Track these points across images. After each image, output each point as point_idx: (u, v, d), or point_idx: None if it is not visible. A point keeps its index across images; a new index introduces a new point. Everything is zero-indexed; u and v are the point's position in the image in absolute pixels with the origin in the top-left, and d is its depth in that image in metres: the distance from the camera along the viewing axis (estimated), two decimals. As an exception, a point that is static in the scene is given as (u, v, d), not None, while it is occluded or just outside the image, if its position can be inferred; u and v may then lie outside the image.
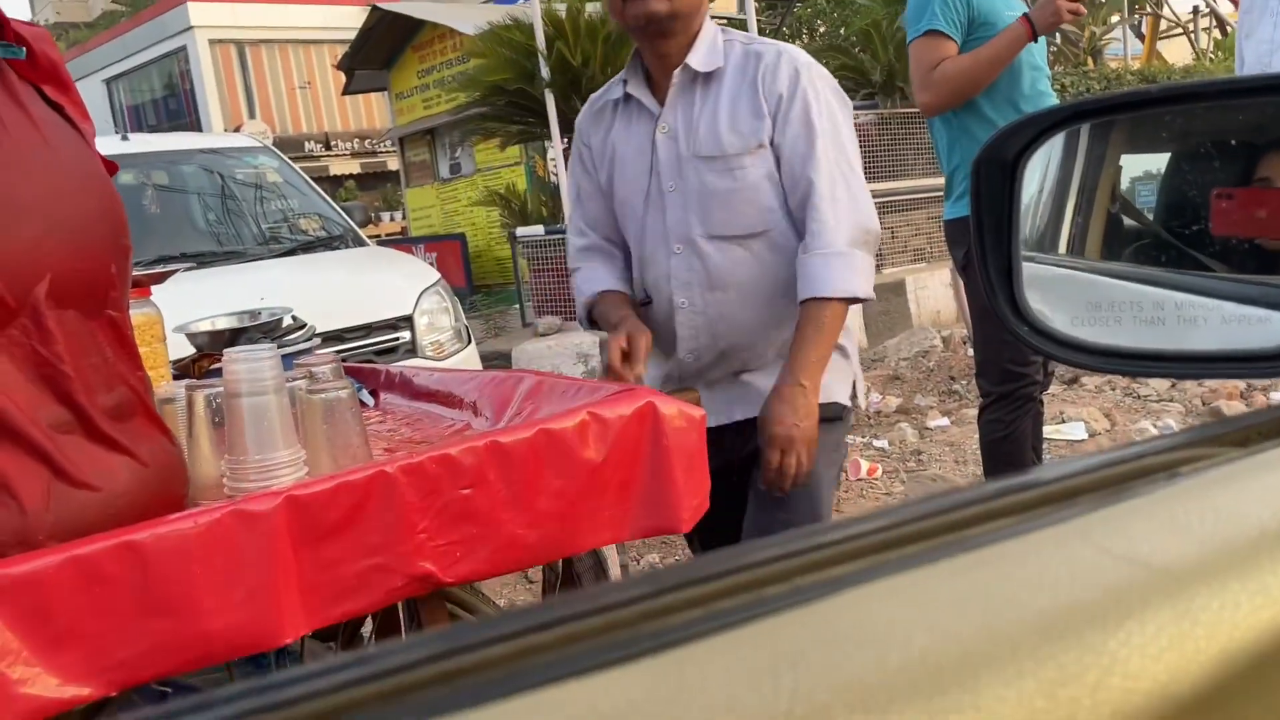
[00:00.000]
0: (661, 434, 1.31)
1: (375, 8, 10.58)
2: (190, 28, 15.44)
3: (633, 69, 1.78)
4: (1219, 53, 12.31)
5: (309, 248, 4.59)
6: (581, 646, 0.23)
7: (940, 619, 0.25)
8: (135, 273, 1.34)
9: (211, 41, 15.63)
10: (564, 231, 6.92)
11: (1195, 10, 13.69)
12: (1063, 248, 0.88)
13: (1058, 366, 4.00)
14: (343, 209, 5.03)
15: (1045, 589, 0.26)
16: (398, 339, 3.87)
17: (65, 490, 1.03)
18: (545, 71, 7.09)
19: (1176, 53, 13.59)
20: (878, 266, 1.64)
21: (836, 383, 1.77)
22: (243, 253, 4.37)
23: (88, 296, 1.07)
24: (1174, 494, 0.32)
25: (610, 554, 1.68)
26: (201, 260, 4.07)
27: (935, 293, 6.97)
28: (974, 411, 3.53)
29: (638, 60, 1.78)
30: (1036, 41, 2.50)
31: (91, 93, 15.64)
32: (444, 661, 0.22)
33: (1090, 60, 11.42)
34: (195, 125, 15.36)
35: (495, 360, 5.65)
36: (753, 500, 1.72)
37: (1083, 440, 4.21)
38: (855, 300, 1.66)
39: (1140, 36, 13.63)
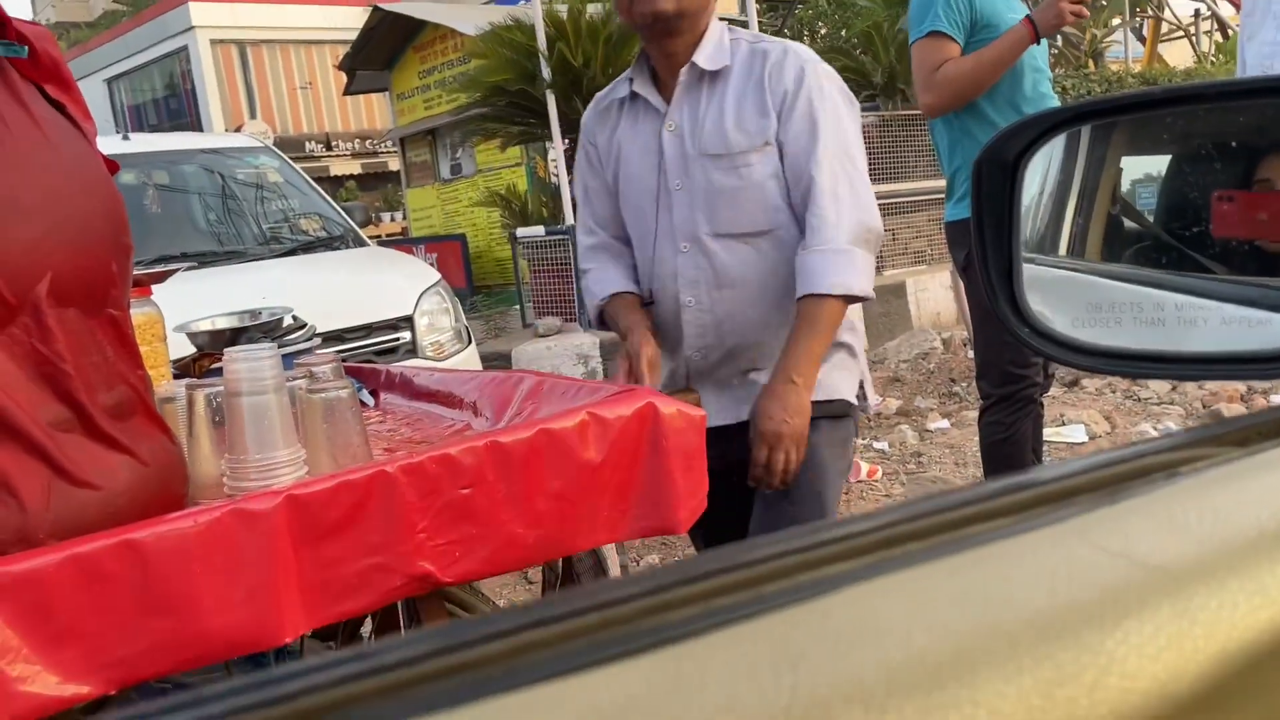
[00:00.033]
0: (661, 435, 1.32)
1: (376, 8, 10.58)
2: (191, 27, 15.43)
3: (639, 68, 1.78)
4: (1220, 56, 12.31)
5: (309, 248, 4.59)
6: (581, 643, 0.23)
7: (939, 617, 0.25)
8: (136, 272, 1.34)
9: (213, 41, 15.63)
10: (565, 233, 6.93)
11: (1196, 13, 13.70)
12: (1063, 249, 0.88)
13: (1058, 369, 4.00)
14: (343, 209, 5.03)
15: (1043, 588, 0.26)
16: (398, 339, 3.87)
17: (65, 489, 1.03)
18: (546, 72, 7.09)
19: (1178, 56, 13.59)
20: (878, 268, 1.63)
21: (842, 380, 1.76)
22: (243, 252, 4.37)
23: (88, 295, 1.07)
24: (1173, 494, 0.32)
25: (610, 554, 1.68)
26: (202, 260, 4.07)
27: (935, 295, 6.97)
28: (974, 414, 3.53)
29: (644, 59, 1.77)
30: (1039, 43, 2.50)
31: (92, 92, 15.64)
32: (445, 657, 0.22)
33: (1091, 63, 11.43)
34: (196, 125, 15.36)
35: (495, 361, 5.65)
36: (759, 498, 1.72)
37: (1083, 443, 4.21)
38: (853, 298, 1.64)
39: (1141, 39, 13.63)
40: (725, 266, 1.70)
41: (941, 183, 2.87)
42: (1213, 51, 12.91)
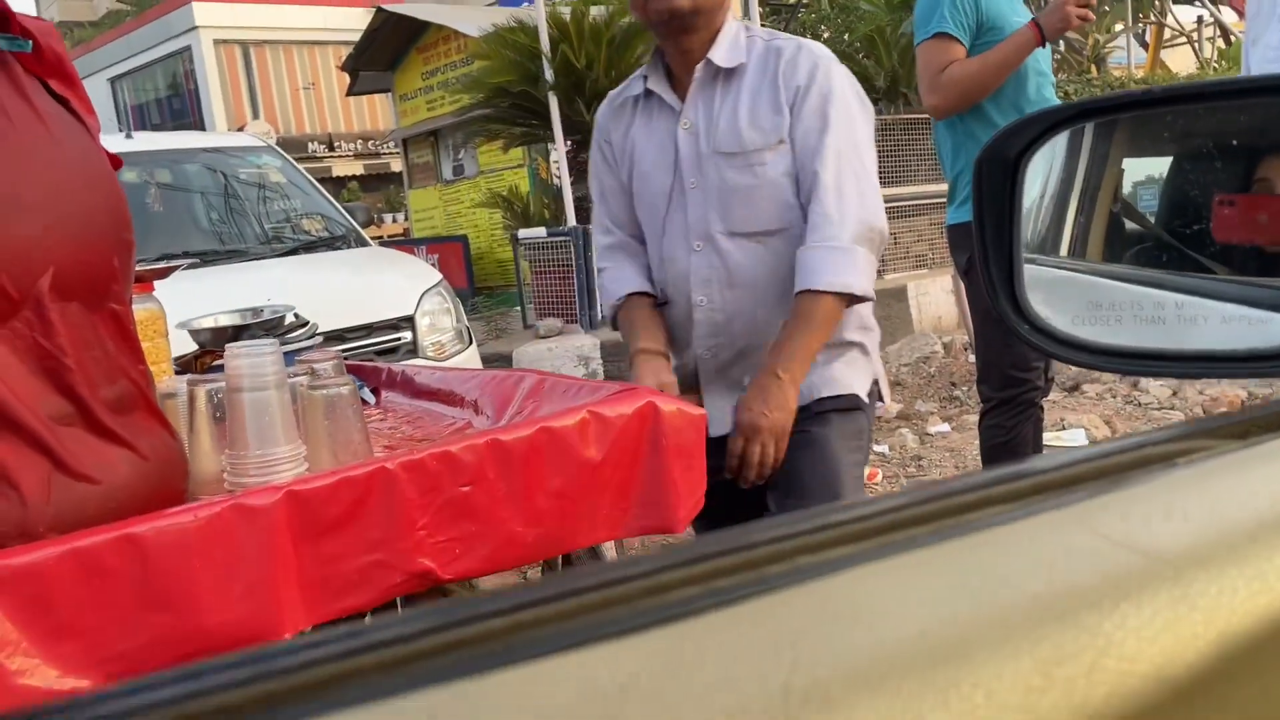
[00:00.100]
0: (661, 433, 1.32)
1: (380, 9, 10.60)
2: (195, 28, 15.46)
3: (653, 65, 1.76)
4: (1223, 62, 12.32)
5: (311, 247, 4.60)
6: (580, 621, 0.23)
7: (938, 599, 0.25)
8: (138, 268, 1.34)
9: (216, 42, 15.65)
10: (566, 234, 6.94)
11: (1199, 19, 13.71)
12: (1064, 250, 0.88)
13: (1057, 373, 3.99)
14: (346, 209, 5.03)
15: (1042, 572, 0.26)
16: (399, 339, 3.87)
17: (65, 482, 1.03)
18: (549, 74, 7.10)
19: (1180, 61, 13.60)
20: (879, 272, 1.62)
21: (854, 376, 1.75)
22: (245, 251, 4.38)
23: (90, 290, 1.07)
24: (1172, 483, 0.32)
25: (609, 552, 1.68)
26: (204, 258, 4.07)
27: (936, 299, 6.97)
28: (974, 417, 3.53)
29: (659, 56, 1.76)
30: (1045, 46, 2.51)
31: (96, 92, 15.65)
32: (447, 633, 0.22)
33: (1094, 68, 11.43)
34: (199, 125, 15.37)
35: (496, 362, 5.65)
36: (771, 497, 1.71)
37: (1083, 447, 4.20)
38: (852, 297, 1.62)
39: (1144, 45, 13.64)
40: (738, 266, 1.69)
41: (943, 187, 2.88)
42: (1215, 57, 12.91)
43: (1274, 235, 0.76)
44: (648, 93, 1.76)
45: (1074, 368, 5.10)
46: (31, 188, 1.01)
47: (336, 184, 15.64)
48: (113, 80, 17.14)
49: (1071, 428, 4.37)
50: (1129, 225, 0.89)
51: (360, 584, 1.13)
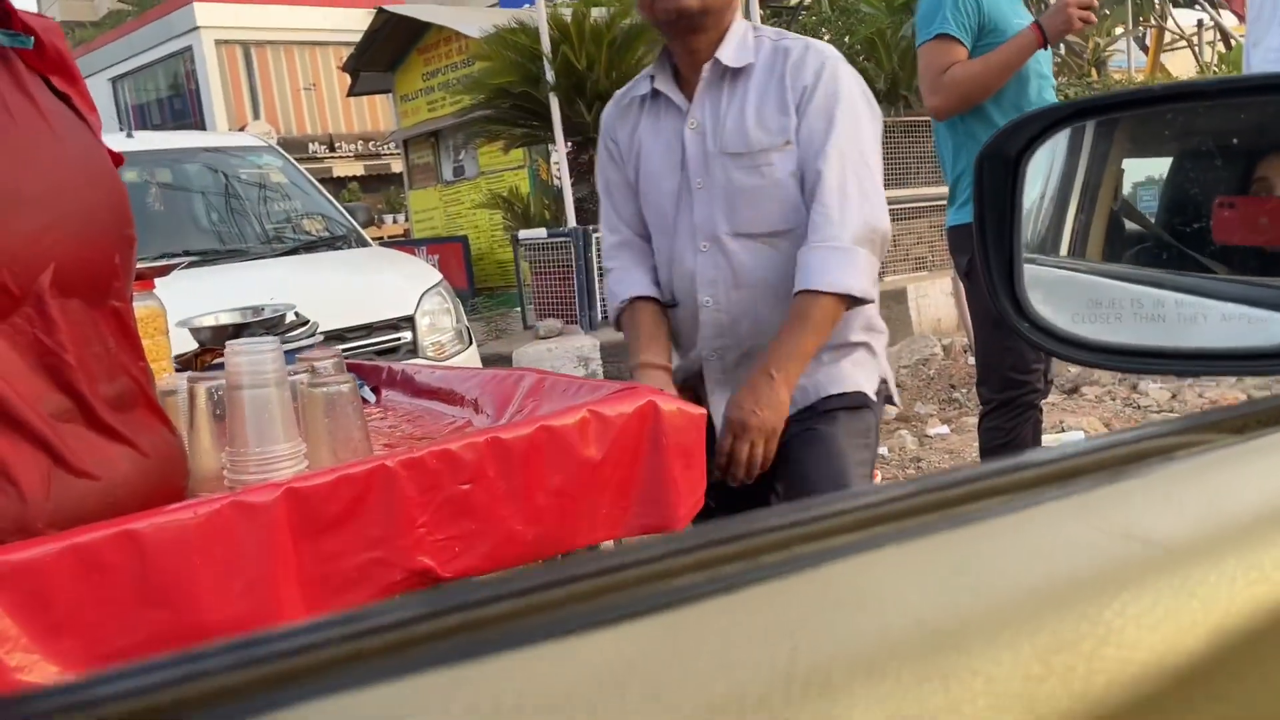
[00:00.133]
0: (661, 432, 1.32)
1: (381, 10, 10.61)
2: (196, 28, 15.46)
3: (661, 65, 1.75)
4: (1223, 65, 12.32)
5: (312, 247, 4.60)
6: (582, 606, 0.23)
7: (938, 586, 0.25)
8: (138, 266, 1.34)
9: (217, 42, 15.66)
10: (567, 235, 6.94)
11: (1199, 23, 13.71)
12: (1064, 250, 0.88)
13: (1056, 375, 3.98)
14: (346, 209, 5.03)
15: (1042, 560, 0.26)
16: (399, 339, 3.88)
17: (65, 478, 1.03)
18: (550, 75, 7.10)
19: (1181, 65, 13.61)
20: (879, 274, 1.61)
21: (860, 374, 1.74)
22: (245, 251, 4.38)
23: (91, 286, 1.08)
24: (1171, 475, 0.32)
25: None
26: (204, 258, 4.07)
27: (936, 301, 6.97)
28: (974, 419, 3.53)
29: (666, 56, 1.75)
30: (1047, 48, 2.51)
31: (97, 92, 15.58)
32: (449, 617, 0.22)
33: (1094, 71, 11.44)
34: (200, 125, 15.37)
35: (496, 362, 5.66)
36: (777, 496, 1.70)
37: (1082, 449, 4.20)
38: (852, 298, 1.60)
39: (1144, 48, 13.64)
40: (744, 267, 1.68)
41: (942, 189, 2.88)
42: (1215, 61, 12.92)
43: (1274, 236, 0.76)
44: (654, 93, 1.75)
45: (1073, 370, 5.10)
46: (33, 184, 1.01)
47: (337, 184, 15.65)
48: (114, 80, 17.14)
49: (1070, 430, 4.37)
50: (1129, 225, 0.89)
51: (360, 581, 1.13)
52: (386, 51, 10.95)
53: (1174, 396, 4.75)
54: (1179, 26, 13.65)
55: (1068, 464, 0.32)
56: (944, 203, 2.84)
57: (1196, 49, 13.71)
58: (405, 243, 10.68)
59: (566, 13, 7.57)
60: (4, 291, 0.99)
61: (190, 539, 1.02)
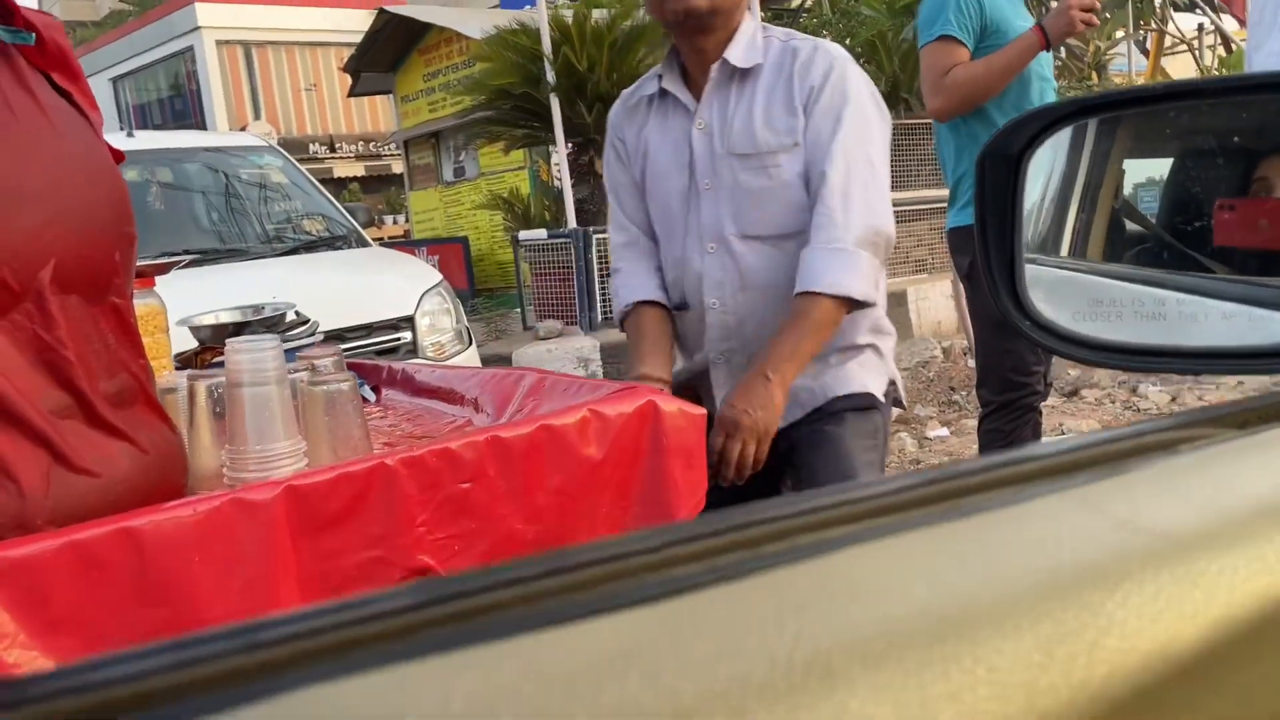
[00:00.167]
0: (662, 432, 1.32)
1: (382, 11, 10.61)
2: (197, 28, 15.46)
3: (668, 65, 1.74)
4: (1223, 70, 12.32)
5: (312, 247, 4.60)
6: (583, 594, 0.23)
7: (940, 575, 0.25)
8: (138, 264, 1.34)
9: (218, 42, 15.66)
10: (567, 236, 6.94)
11: (1200, 27, 13.71)
12: (1065, 250, 0.88)
13: (1056, 377, 3.98)
14: (346, 209, 5.03)
15: (1044, 550, 0.26)
16: (399, 339, 3.88)
17: (64, 475, 1.03)
18: (551, 76, 7.10)
19: (1181, 69, 13.61)
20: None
21: (868, 376, 1.72)
22: (246, 251, 4.38)
23: (91, 283, 1.07)
24: (1174, 467, 0.32)
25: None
26: (204, 257, 4.07)
27: (936, 303, 6.97)
28: (973, 422, 3.53)
29: (674, 56, 1.74)
30: (1050, 50, 2.51)
31: (97, 91, 15.54)
32: (453, 603, 0.22)
33: (1095, 75, 11.44)
34: (200, 125, 15.37)
35: (495, 363, 5.66)
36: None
37: (1082, 452, 4.20)
38: (852, 301, 1.58)
39: (1145, 52, 13.65)
40: (751, 269, 1.66)
41: (942, 192, 2.87)
42: (1216, 65, 12.93)
43: (1275, 238, 0.76)
44: (662, 92, 1.73)
45: (1073, 373, 5.10)
46: (34, 180, 1.01)
47: (337, 185, 15.64)
48: (114, 80, 17.14)
49: (1070, 433, 4.37)
50: (1129, 225, 0.90)
51: (359, 580, 1.12)
52: (387, 52, 10.96)
53: (1173, 400, 4.75)
54: (1179, 30, 13.65)
55: (1070, 457, 0.32)
56: (944, 205, 2.84)
57: (1197, 53, 13.71)
58: (405, 243, 10.67)
59: (568, 14, 7.58)
60: (4, 287, 0.99)
61: (189, 536, 1.02)
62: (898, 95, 7.83)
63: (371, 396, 1.86)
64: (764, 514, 0.27)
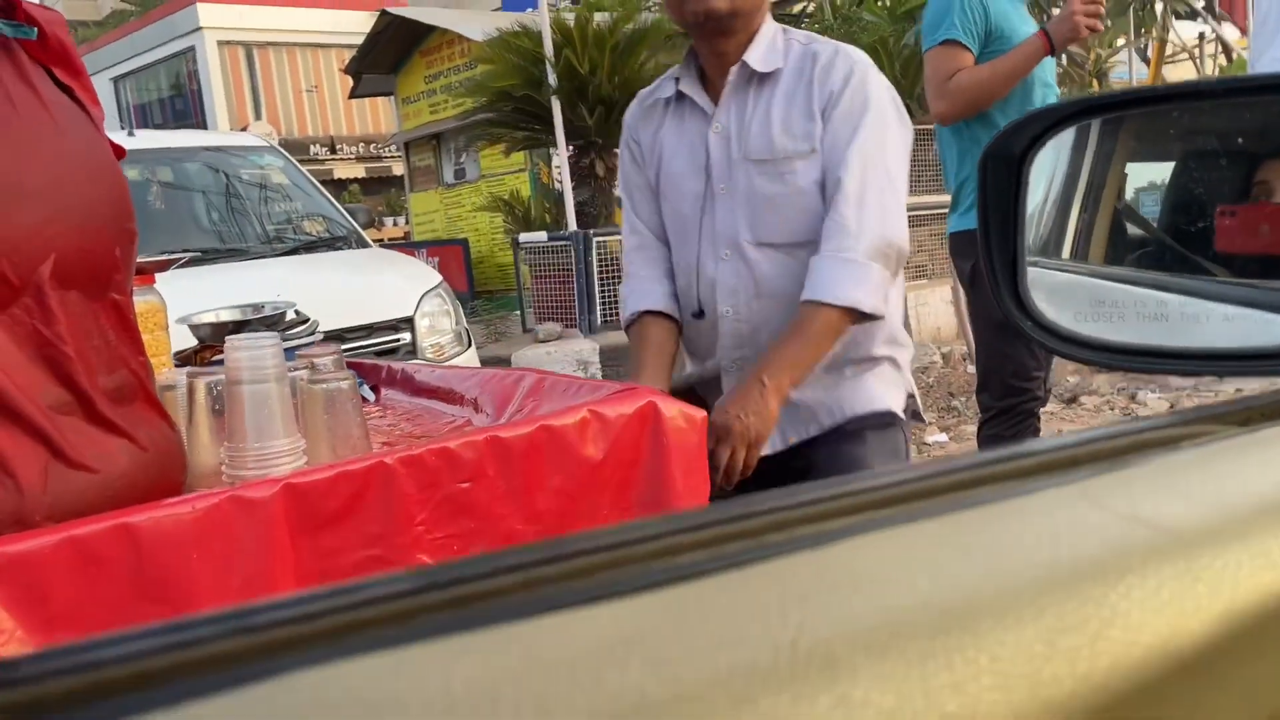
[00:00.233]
0: (662, 434, 1.31)
1: (384, 12, 10.63)
2: (199, 28, 15.47)
3: (686, 67, 1.70)
4: (1224, 78, 12.32)
5: (312, 247, 4.60)
6: (586, 580, 0.23)
7: (943, 566, 0.25)
8: (138, 261, 1.34)
9: (220, 43, 15.67)
10: (567, 238, 6.95)
11: (1201, 36, 13.74)
12: (1067, 253, 0.88)
13: (1055, 383, 3.98)
14: (347, 210, 5.04)
15: (1048, 542, 0.26)
16: (398, 340, 3.87)
17: (63, 471, 1.03)
18: (552, 78, 7.11)
19: (1181, 77, 13.61)
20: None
21: (886, 391, 1.68)
22: (246, 250, 4.38)
23: (91, 278, 1.07)
24: (1176, 463, 0.32)
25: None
26: (205, 256, 4.08)
27: (936, 309, 6.98)
28: (972, 428, 3.53)
29: (692, 58, 1.70)
30: (1055, 56, 2.52)
31: (99, 91, 15.60)
32: (453, 589, 0.22)
33: (1096, 83, 11.45)
34: (201, 125, 15.36)
35: (495, 365, 5.66)
36: None
37: (1081, 458, 4.20)
38: (859, 314, 1.53)
39: (1146, 60, 13.67)
40: (766, 276, 1.62)
41: (943, 197, 2.88)
42: (1217, 74, 12.94)
43: (1276, 243, 0.76)
44: (679, 95, 1.70)
45: (1072, 379, 5.11)
46: (34, 175, 1.01)
47: (338, 186, 15.64)
48: (116, 80, 17.15)
49: (1069, 439, 4.36)
50: (1131, 228, 0.90)
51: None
52: (389, 54, 10.97)
53: (1172, 406, 4.75)
54: (1180, 38, 13.66)
55: (1072, 452, 0.32)
56: (944, 211, 2.84)
57: (1198, 61, 13.73)
58: (406, 245, 10.68)
59: (569, 17, 7.59)
60: (4, 282, 0.99)
61: (188, 533, 1.02)
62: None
63: (371, 396, 1.86)
64: (767, 504, 0.27)
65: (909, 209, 1.66)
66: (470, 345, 4.23)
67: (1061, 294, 0.78)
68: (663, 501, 1.32)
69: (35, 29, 1.06)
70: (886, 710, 0.20)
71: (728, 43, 1.62)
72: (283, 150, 5.23)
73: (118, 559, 0.98)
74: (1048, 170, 0.75)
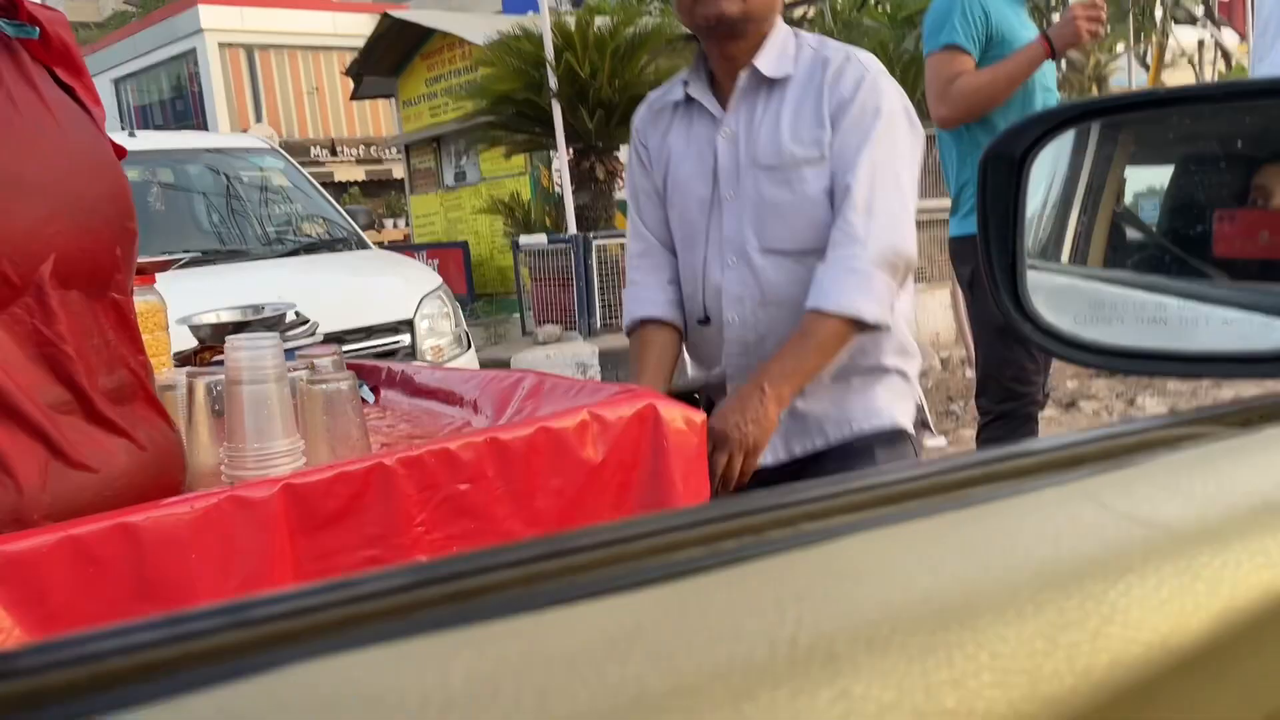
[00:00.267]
0: (662, 436, 1.31)
1: (386, 15, 10.64)
2: (200, 30, 15.49)
3: (695, 70, 1.68)
4: (1224, 84, 12.33)
5: (312, 249, 4.60)
6: (586, 575, 0.23)
7: (943, 563, 0.25)
8: (139, 261, 1.34)
9: (221, 45, 15.68)
10: (567, 241, 6.95)
11: (1200, 42, 13.75)
12: (1066, 256, 0.88)
13: (1054, 389, 3.98)
14: (347, 212, 5.04)
15: (1048, 540, 0.26)
16: (398, 342, 3.88)
17: (62, 470, 1.03)
18: (553, 82, 7.12)
19: (1181, 82, 13.64)
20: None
21: (896, 406, 1.66)
22: (246, 252, 4.38)
23: (92, 278, 1.07)
24: (1176, 463, 0.32)
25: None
26: (205, 257, 4.08)
27: (934, 314, 6.98)
28: (970, 432, 3.53)
29: (701, 61, 1.68)
30: (1055, 60, 2.52)
31: (99, 92, 15.62)
32: (453, 583, 0.22)
33: (1095, 88, 11.48)
34: (202, 127, 15.37)
35: (494, 368, 5.66)
36: None
37: (1080, 463, 4.20)
38: (862, 324, 1.51)
39: (1145, 66, 13.68)
40: (772, 284, 1.59)
41: (942, 202, 2.88)
42: (1216, 80, 12.95)
43: (1274, 248, 0.76)
44: (688, 99, 1.68)
45: (1071, 384, 5.11)
46: (36, 174, 1.01)
47: (338, 188, 15.65)
48: (117, 81, 17.16)
49: (1068, 444, 4.36)
50: (1131, 232, 0.90)
51: (356, 579, 1.12)
52: (390, 56, 10.98)
53: (1170, 412, 4.75)
54: (1180, 44, 13.68)
55: (1074, 451, 0.32)
56: (943, 215, 2.84)
57: (1197, 67, 13.74)
58: (406, 247, 10.68)
59: (570, 20, 7.60)
60: (4, 281, 0.99)
61: (187, 533, 1.02)
62: (899, 105, 7.84)
63: (370, 397, 1.86)
64: (768, 501, 0.27)
65: (908, 213, 1.63)
66: (470, 347, 4.23)
67: (1061, 297, 0.78)
68: (662, 503, 1.32)
69: (37, 29, 1.06)
70: (886, 705, 0.20)
71: (738, 46, 1.60)
72: (283, 152, 5.24)
73: (117, 558, 0.98)
74: (1047, 173, 0.75)
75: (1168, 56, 13.54)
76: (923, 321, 6.93)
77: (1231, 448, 0.34)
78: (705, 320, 1.68)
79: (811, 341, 1.51)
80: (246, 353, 1.20)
